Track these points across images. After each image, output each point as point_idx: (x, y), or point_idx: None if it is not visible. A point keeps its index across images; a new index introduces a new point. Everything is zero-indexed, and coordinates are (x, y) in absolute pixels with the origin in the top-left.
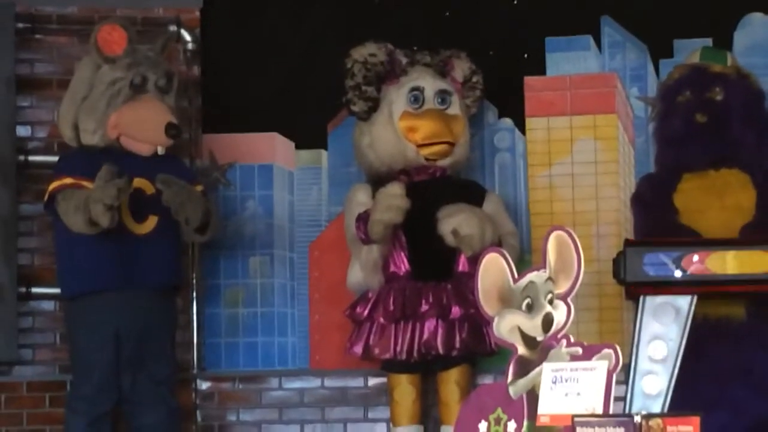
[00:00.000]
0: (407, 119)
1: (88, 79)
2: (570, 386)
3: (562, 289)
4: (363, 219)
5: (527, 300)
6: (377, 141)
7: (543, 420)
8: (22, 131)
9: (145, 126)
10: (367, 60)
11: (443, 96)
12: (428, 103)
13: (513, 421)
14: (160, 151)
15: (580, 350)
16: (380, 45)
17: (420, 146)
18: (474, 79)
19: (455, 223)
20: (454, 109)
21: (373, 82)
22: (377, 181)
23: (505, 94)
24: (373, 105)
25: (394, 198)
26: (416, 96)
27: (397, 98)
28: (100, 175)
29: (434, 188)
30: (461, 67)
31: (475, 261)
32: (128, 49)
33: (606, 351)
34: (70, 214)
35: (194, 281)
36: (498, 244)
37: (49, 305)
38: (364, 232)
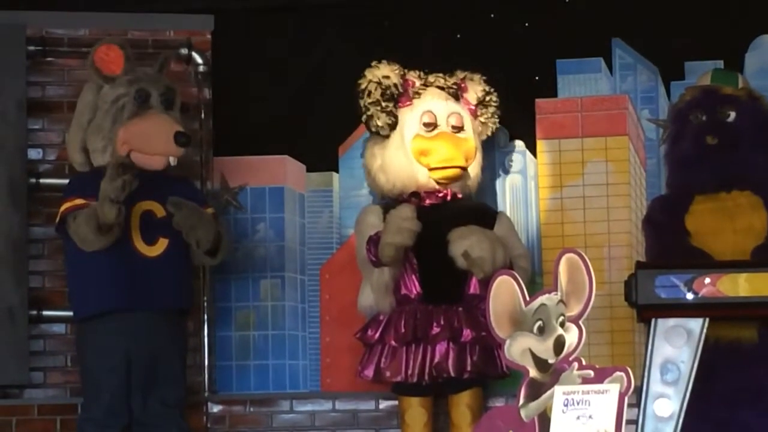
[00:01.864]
0: (419, 142)
1: (91, 103)
2: (582, 409)
3: (573, 311)
4: (374, 241)
5: (539, 323)
6: (388, 164)
7: None
8: (33, 154)
9: (153, 138)
10: (381, 81)
11: (456, 119)
12: (441, 127)
13: None
14: (173, 162)
15: (591, 373)
16: (393, 66)
17: (432, 170)
18: (488, 101)
19: (466, 245)
20: (467, 132)
21: (390, 100)
22: (388, 203)
23: (516, 117)
24: (395, 121)
25: (405, 221)
26: (429, 119)
27: (409, 121)
28: (107, 172)
29: (445, 211)
30: (475, 90)
31: (486, 283)
32: (126, 67)
33: (618, 374)
34: (80, 228)
35: (205, 304)
36: (509, 266)
37: (60, 328)
38: (375, 255)
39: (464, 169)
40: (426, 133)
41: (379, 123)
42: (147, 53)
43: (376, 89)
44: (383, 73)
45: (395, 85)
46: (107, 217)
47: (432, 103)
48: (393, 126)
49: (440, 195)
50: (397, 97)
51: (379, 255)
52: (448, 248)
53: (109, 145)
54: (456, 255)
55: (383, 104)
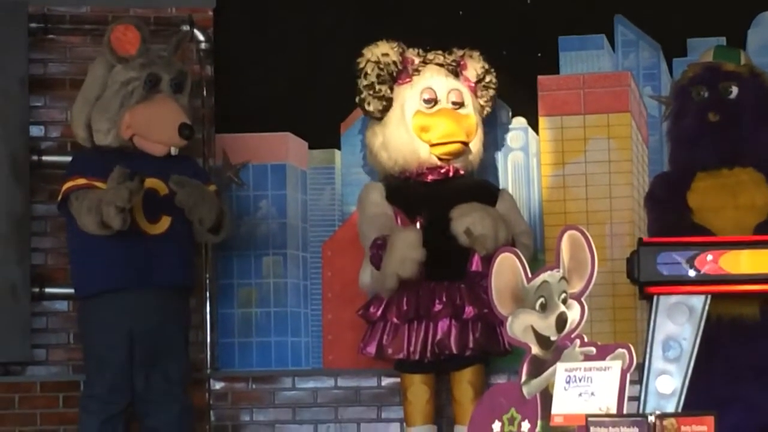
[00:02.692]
0: (420, 119)
1: (101, 79)
2: (584, 386)
3: (575, 288)
4: (379, 246)
5: (541, 299)
6: (390, 141)
7: (557, 420)
8: (36, 131)
9: (158, 126)
10: (379, 59)
11: (456, 95)
12: (441, 103)
13: (527, 421)
14: (174, 151)
15: (593, 350)
16: (392, 44)
17: (433, 146)
18: (487, 79)
19: (468, 222)
20: (467, 108)
21: (386, 81)
22: (390, 180)
23: (518, 94)
24: (387, 104)
25: (410, 249)
26: (429, 96)
27: (409, 98)
28: (112, 177)
29: (447, 188)
30: (474, 67)
31: (488, 261)
32: (142, 49)
33: (620, 351)
34: (82, 215)
35: (207, 281)
36: (511, 243)
37: (62, 305)
38: (379, 260)
39: (465, 144)
40: (426, 109)
41: (371, 108)
42: (149, 30)
43: (372, 70)
44: (382, 50)
45: (394, 62)
46: (112, 224)
47: (432, 79)
48: (386, 109)
49: (442, 171)
50: (396, 75)
51: (381, 281)
52: (450, 225)
53: (113, 128)
54: (458, 232)
55: (377, 87)
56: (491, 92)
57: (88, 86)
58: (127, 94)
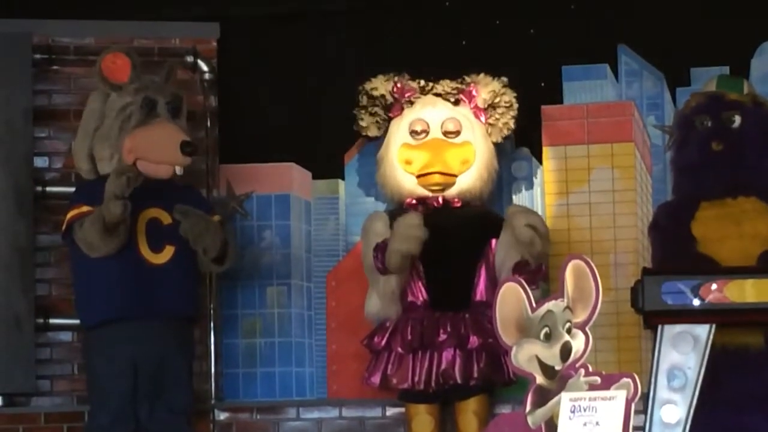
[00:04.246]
0: (404, 151)
1: (98, 111)
2: (589, 416)
3: (580, 318)
4: (381, 249)
5: (545, 329)
6: (383, 173)
7: None
8: (40, 162)
9: (159, 146)
10: (368, 93)
11: (452, 125)
12: (432, 134)
13: None
14: (179, 171)
15: (598, 379)
16: (387, 77)
17: (418, 177)
18: (506, 99)
19: (531, 219)
20: (464, 137)
21: (370, 119)
22: (394, 210)
23: (522, 123)
24: (382, 124)
25: (412, 228)
26: (417, 127)
27: (397, 131)
28: (113, 171)
29: (451, 217)
30: (484, 91)
31: (492, 290)
32: (133, 75)
33: (624, 380)
34: (86, 233)
35: (212, 311)
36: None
37: (66, 336)
38: (382, 262)
39: (447, 174)
40: (413, 141)
41: (370, 133)
42: (153, 61)
43: (359, 110)
44: (372, 85)
45: (383, 96)
46: (113, 214)
47: (423, 111)
48: (380, 127)
49: (432, 202)
50: (388, 108)
51: (386, 263)
52: (508, 219)
53: (115, 153)
54: (519, 225)
55: (371, 110)
56: (512, 112)
57: (86, 119)
58: (125, 119)
